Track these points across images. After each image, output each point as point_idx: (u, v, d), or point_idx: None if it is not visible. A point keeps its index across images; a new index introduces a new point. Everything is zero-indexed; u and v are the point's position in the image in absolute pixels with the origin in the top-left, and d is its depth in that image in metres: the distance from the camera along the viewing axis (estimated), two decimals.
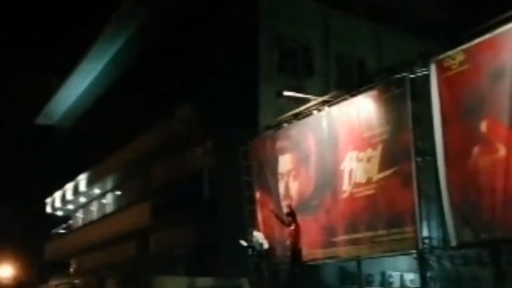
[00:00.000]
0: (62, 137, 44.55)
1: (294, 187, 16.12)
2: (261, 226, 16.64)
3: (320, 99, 15.66)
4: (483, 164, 10.94)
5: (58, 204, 45.65)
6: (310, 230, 14.78)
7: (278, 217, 15.34)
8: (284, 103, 18.46)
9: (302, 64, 23.93)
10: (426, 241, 11.92)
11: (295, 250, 14.27)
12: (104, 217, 37.80)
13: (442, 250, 11.73)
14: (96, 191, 40.00)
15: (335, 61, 24.68)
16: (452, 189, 11.46)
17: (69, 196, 43.41)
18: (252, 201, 17.39)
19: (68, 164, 40.60)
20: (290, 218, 14.64)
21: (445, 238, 11.56)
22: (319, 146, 15.25)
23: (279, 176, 16.60)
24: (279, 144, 16.77)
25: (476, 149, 11.10)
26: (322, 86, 22.83)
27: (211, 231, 22.30)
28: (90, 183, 39.62)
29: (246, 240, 15.92)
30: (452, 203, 11.40)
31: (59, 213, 46.96)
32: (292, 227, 14.44)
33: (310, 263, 14.78)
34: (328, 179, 14.77)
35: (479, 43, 11.21)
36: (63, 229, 46.25)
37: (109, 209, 38.44)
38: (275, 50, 23.09)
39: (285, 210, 15.60)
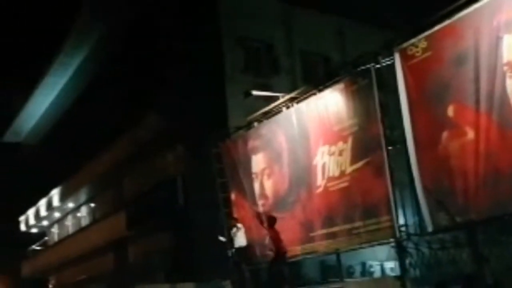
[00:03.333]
0: (31, 153, 43.88)
1: (269, 185, 16.12)
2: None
3: (288, 96, 15.66)
4: (453, 148, 11.09)
5: (32, 221, 45.04)
6: (288, 227, 14.78)
7: (261, 221, 15.13)
8: (252, 102, 18.40)
9: (267, 62, 23.88)
10: (403, 228, 12.03)
11: (278, 252, 14.19)
12: (80, 231, 37.38)
13: (419, 236, 11.83)
14: (70, 205, 39.54)
15: (300, 57, 24.68)
16: (425, 175, 11.58)
17: (43, 212, 42.87)
18: (228, 203, 17.33)
19: (40, 180, 39.98)
20: (270, 221, 14.55)
21: (421, 224, 11.68)
22: (290, 143, 15.28)
23: (253, 176, 16.59)
24: (251, 143, 16.75)
25: (445, 134, 11.24)
26: (288, 83, 22.81)
27: (188, 237, 22.16)
28: (63, 197, 39.16)
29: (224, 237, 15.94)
30: (426, 189, 11.51)
31: (34, 230, 46.36)
32: (270, 231, 14.36)
33: (290, 260, 14.76)
34: (302, 175, 14.80)
35: (440, 29, 11.36)
36: (39, 245, 45.66)
37: (84, 222, 38.03)
38: (239, 50, 22.98)
39: (261, 209, 15.68)
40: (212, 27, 22.59)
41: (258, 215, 15.23)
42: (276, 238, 14.24)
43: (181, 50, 23.22)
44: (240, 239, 15.67)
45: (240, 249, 15.58)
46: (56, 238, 43.93)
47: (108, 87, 29.72)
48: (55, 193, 40.06)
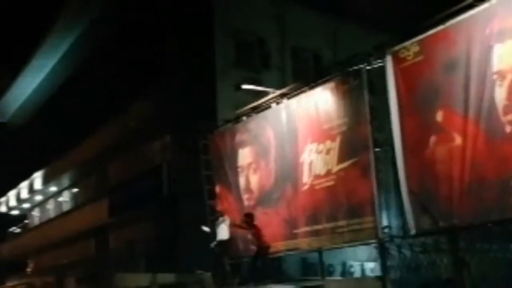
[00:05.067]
0: (16, 134, 43.55)
1: (254, 180, 16.12)
2: None
3: (278, 92, 15.68)
4: (440, 153, 11.15)
5: (13, 203, 44.73)
6: (272, 222, 14.83)
7: (240, 226, 15.25)
8: (242, 96, 18.45)
9: (259, 57, 23.88)
10: (386, 230, 12.09)
11: (261, 248, 14.31)
12: (62, 215, 37.23)
13: (401, 238, 11.92)
14: (53, 189, 39.34)
15: (291, 54, 24.71)
16: (410, 179, 11.64)
17: (24, 194, 42.61)
18: (212, 195, 17.34)
19: (23, 162, 39.73)
20: (248, 219, 14.66)
21: (404, 227, 11.74)
22: (278, 139, 15.30)
23: (239, 170, 16.58)
24: (239, 137, 16.74)
25: (433, 139, 11.29)
26: (278, 79, 22.84)
27: (171, 227, 22.15)
28: (46, 181, 38.94)
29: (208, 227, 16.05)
30: (411, 192, 11.58)
31: (15, 212, 46.06)
32: (252, 230, 14.48)
33: (272, 255, 14.83)
34: (288, 171, 14.83)
35: (433, 34, 11.40)
36: (19, 228, 45.38)
37: (66, 207, 37.85)
38: (231, 43, 22.97)
39: (246, 203, 15.75)
40: (205, 20, 22.52)
41: (238, 225, 15.26)
42: (258, 235, 14.33)
43: (173, 40, 23.15)
44: (223, 232, 15.69)
45: (222, 242, 15.60)
46: (36, 221, 43.70)
47: (97, 72, 29.56)
48: (37, 176, 39.84)
